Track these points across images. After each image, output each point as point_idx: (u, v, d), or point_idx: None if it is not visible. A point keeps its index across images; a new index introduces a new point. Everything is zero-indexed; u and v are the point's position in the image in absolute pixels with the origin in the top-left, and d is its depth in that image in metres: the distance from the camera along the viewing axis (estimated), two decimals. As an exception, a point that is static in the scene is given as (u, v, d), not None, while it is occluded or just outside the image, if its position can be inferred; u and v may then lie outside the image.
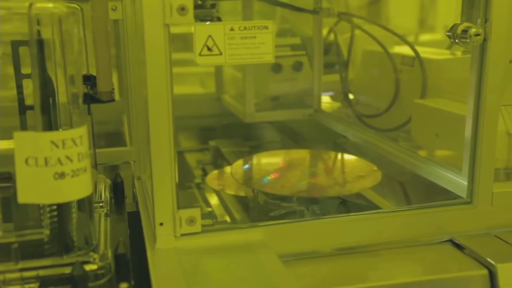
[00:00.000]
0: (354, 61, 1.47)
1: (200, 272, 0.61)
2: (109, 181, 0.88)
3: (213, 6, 0.72)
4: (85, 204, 0.62)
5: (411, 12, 1.85)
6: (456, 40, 0.72)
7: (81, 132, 0.58)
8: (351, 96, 1.44)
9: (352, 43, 1.34)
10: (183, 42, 1.16)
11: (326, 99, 1.49)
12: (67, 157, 0.57)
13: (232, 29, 0.64)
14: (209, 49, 0.64)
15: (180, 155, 1.58)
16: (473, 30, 0.70)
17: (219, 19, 0.74)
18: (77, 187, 0.58)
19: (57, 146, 0.56)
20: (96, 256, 0.60)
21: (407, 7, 1.84)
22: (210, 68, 1.76)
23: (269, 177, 0.94)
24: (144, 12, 0.61)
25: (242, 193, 0.97)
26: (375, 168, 0.95)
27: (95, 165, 0.82)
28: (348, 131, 1.25)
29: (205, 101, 1.73)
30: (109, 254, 0.61)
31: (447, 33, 0.74)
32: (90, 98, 0.63)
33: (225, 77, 1.72)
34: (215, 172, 1.15)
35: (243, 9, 1.37)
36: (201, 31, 0.63)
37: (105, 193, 0.81)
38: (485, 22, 0.72)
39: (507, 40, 0.86)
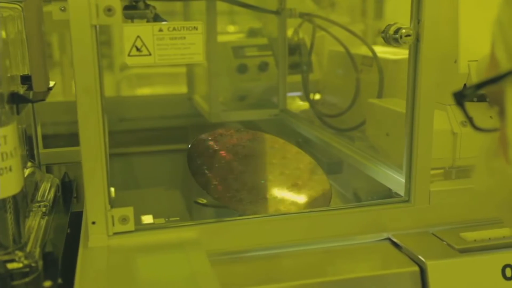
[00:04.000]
0: (321, 62, 1.48)
1: (125, 271, 0.62)
2: (57, 181, 0.88)
3: (147, 6, 0.73)
4: (14, 203, 0.63)
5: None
6: (389, 41, 0.73)
7: (4, 132, 0.59)
8: (317, 96, 1.45)
9: (314, 44, 1.34)
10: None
11: (294, 99, 1.50)
12: (-11, 156, 0.57)
13: (160, 30, 0.65)
14: (138, 49, 0.64)
15: (150, 155, 1.58)
16: (403, 31, 0.71)
17: (155, 20, 0.75)
18: (1, 186, 0.59)
19: (-22, 145, 0.57)
20: (21, 254, 0.60)
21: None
22: (182, 68, 1.77)
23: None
24: (70, 13, 0.62)
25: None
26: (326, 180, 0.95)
27: (39, 165, 0.83)
28: (309, 131, 1.26)
29: (177, 101, 1.74)
30: (37, 252, 0.62)
31: (381, 34, 0.74)
32: (18, 98, 0.63)
33: (197, 77, 1.73)
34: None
35: (207, 9, 1.37)
36: (130, 32, 0.64)
37: (49, 193, 0.82)
38: (418, 23, 0.73)
39: (448, 41, 0.87)
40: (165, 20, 0.84)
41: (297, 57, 1.44)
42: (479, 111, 0.48)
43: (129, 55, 0.64)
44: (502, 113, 0.41)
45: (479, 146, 0.46)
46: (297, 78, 1.44)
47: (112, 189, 0.90)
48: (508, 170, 0.40)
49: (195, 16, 1.63)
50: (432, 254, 0.71)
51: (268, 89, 1.47)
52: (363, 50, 1.29)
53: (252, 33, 1.65)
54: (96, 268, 0.62)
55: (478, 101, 0.51)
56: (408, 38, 0.71)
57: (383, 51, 1.20)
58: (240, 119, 1.46)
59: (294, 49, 1.44)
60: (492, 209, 0.46)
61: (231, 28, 1.73)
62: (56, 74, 1.76)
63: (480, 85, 0.41)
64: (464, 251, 0.73)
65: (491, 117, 0.47)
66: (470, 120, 0.44)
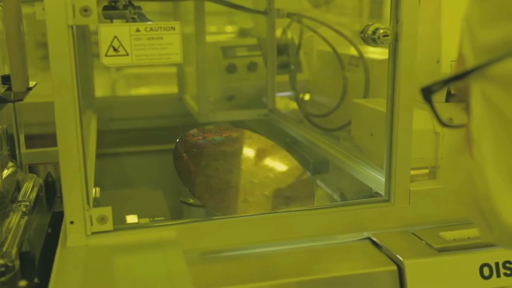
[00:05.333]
0: (310, 62, 1.48)
1: (101, 270, 0.62)
2: (40, 180, 0.88)
3: (125, 7, 0.73)
4: (-9, 203, 0.63)
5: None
6: (368, 41, 0.73)
7: (-21, 132, 0.59)
8: (307, 96, 1.45)
9: (301, 44, 1.35)
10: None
11: (283, 99, 1.50)
12: (-35, 156, 0.58)
13: (138, 30, 0.65)
14: (115, 49, 0.64)
15: (139, 155, 1.59)
16: (381, 31, 0.71)
17: (134, 20, 0.75)
18: (-24, 186, 0.59)
19: (-47, 145, 0.57)
20: (-3, 254, 0.61)
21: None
22: (173, 69, 1.77)
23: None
24: (47, 13, 0.62)
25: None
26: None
27: (20, 165, 0.83)
28: (297, 132, 1.26)
29: (167, 101, 1.74)
30: (14, 252, 0.62)
31: (360, 34, 0.75)
32: (-5, 98, 0.64)
33: (188, 78, 1.73)
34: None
35: (196, 9, 1.38)
36: (106, 32, 0.64)
37: (31, 192, 0.82)
38: (396, 23, 0.73)
39: (431, 41, 0.87)
40: (150, 20, 0.85)
41: (286, 57, 1.45)
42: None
43: (106, 55, 0.64)
44: (468, 110, 0.42)
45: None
46: (286, 78, 1.44)
47: (98, 189, 0.91)
48: (472, 166, 0.40)
49: (185, 16, 1.63)
50: (410, 254, 0.72)
51: (257, 89, 1.47)
52: (353, 50, 1.30)
53: (242, 33, 1.65)
54: (73, 267, 0.62)
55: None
56: (386, 38, 0.71)
57: (374, 51, 1.20)
58: (229, 119, 1.47)
59: (283, 49, 1.44)
60: (459, 207, 0.46)
61: (221, 28, 1.73)
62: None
63: (446, 81, 0.42)
64: (442, 250, 0.73)
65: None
66: (437, 116, 0.45)
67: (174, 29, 0.66)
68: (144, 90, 1.91)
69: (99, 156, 1.15)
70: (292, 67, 1.40)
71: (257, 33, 1.57)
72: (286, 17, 1.32)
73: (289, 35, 1.43)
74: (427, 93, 0.43)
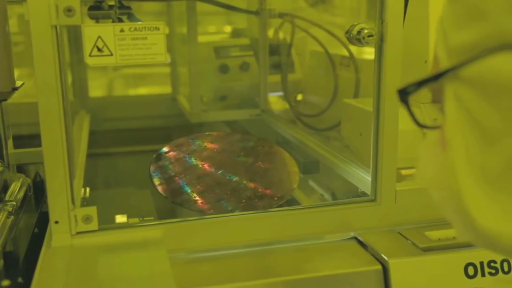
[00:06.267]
0: (303, 62, 1.49)
1: (85, 270, 0.62)
2: (28, 180, 0.89)
3: (111, 7, 0.73)
4: (-25, 203, 0.63)
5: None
6: (353, 41, 0.73)
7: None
8: (299, 96, 1.45)
9: (293, 44, 1.35)
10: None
11: (276, 99, 1.51)
12: None
13: (122, 30, 0.65)
14: (99, 49, 0.65)
15: (132, 155, 1.59)
16: (365, 31, 0.72)
17: (120, 20, 0.75)
18: (-41, 185, 0.59)
19: None
20: (-20, 253, 0.61)
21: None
22: (167, 69, 1.78)
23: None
24: (30, 14, 0.62)
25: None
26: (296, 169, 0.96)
27: (7, 165, 0.83)
28: (288, 132, 1.27)
29: (161, 101, 1.74)
30: (-3, 252, 0.62)
31: (345, 35, 0.75)
32: (-21, 98, 0.64)
33: (181, 78, 1.73)
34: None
35: (188, 10, 1.38)
36: (91, 32, 0.64)
37: (18, 192, 0.82)
38: (381, 23, 0.73)
39: (419, 41, 0.88)
40: (140, 21, 0.85)
41: (278, 57, 1.45)
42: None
43: (90, 55, 0.65)
44: (442, 110, 0.42)
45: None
46: (279, 78, 1.44)
47: (88, 189, 0.91)
48: (445, 166, 0.41)
49: (179, 16, 1.63)
50: (395, 253, 0.72)
51: (250, 89, 1.47)
52: (346, 51, 1.30)
53: (235, 33, 1.66)
54: (56, 267, 0.63)
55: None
56: (371, 38, 0.72)
57: (369, 52, 1.19)
58: (222, 119, 1.47)
59: (276, 49, 1.44)
60: (436, 205, 0.46)
61: (213, 28, 1.74)
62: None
63: (420, 83, 0.42)
64: (427, 250, 0.73)
65: None
66: (413, 117, 0.45)
67: (158, 29, 0.66)
68: (138, 90, 1.91)
69: (91, 156, 1.15)
70: (284, 67, 1.40)
71: (250, 33, 1.57)
72: (277, 17, 1.32)
73: (281, 35, 1.43)
74: (403, 94, 0.43)
